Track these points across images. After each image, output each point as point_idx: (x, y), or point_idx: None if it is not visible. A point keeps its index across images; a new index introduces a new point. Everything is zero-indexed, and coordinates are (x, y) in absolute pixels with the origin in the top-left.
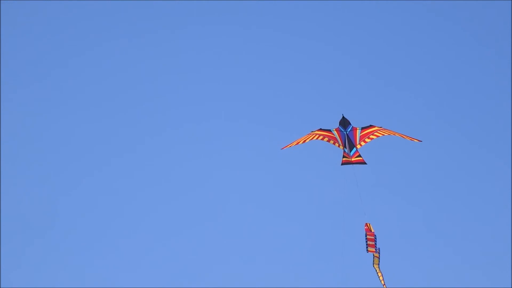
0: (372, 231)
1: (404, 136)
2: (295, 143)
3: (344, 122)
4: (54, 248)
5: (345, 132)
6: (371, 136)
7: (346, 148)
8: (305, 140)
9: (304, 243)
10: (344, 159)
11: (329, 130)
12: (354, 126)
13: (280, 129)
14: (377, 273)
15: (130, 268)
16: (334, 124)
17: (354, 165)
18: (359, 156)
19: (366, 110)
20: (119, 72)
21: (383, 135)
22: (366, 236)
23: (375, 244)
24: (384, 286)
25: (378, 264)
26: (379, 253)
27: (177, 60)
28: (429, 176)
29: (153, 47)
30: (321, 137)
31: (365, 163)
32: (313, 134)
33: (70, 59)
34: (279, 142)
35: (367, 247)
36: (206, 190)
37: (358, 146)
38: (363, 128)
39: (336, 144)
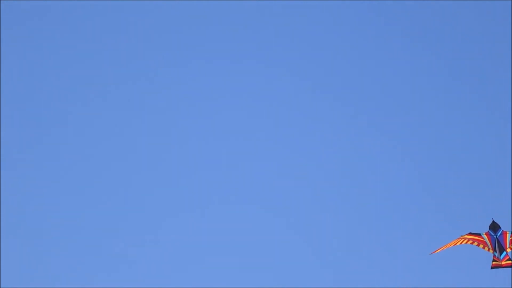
0: None
1: None
2: (445, 247)
3: (494, 226)
4: (53, 248)
5: (495, 236)
6: None
7: (496, 252)
8: (455, 244)
9: None
10: (494, 263)
11: (479, 234)
12: (504, 230)
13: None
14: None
15: (130, 268)
16: None
17: (505, 268)
18: (509, 259)
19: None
20: (119, 71)
21: None
22: None
23: None
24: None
25: None
26: None
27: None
28: None
29: (154, 48)
30: (470, 241)
31: None
32: (463, 238)
33: (70, 60)
34: (428, 247)
35: None
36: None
37: (508, 250)
38: None
39: (486, 248)
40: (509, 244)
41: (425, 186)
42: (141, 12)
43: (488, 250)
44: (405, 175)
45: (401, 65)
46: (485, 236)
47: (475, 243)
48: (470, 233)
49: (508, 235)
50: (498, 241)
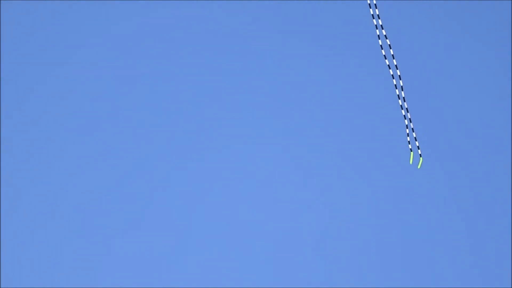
0: None
1: None
2: None
3: None
4: (54, 247)
5: None
6: None
7: None
8: None
9: None
10: None
11: None
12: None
13: None
14: None
15: (130, 268)
16: None
17: None
18: None
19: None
20: (119, 71)
21: None
22: None
23: None
24: None
25: None
26: None
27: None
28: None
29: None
30: None
31: None
32: None
33: (71, 60)
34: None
35: None
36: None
37: None
38: None
39: None
40: None
41: (425, 186)
42: (144, 11)
43: None
44: (404, 175)
45: (400, 65)
46: None
47: None
48: None
49: None
50: None
